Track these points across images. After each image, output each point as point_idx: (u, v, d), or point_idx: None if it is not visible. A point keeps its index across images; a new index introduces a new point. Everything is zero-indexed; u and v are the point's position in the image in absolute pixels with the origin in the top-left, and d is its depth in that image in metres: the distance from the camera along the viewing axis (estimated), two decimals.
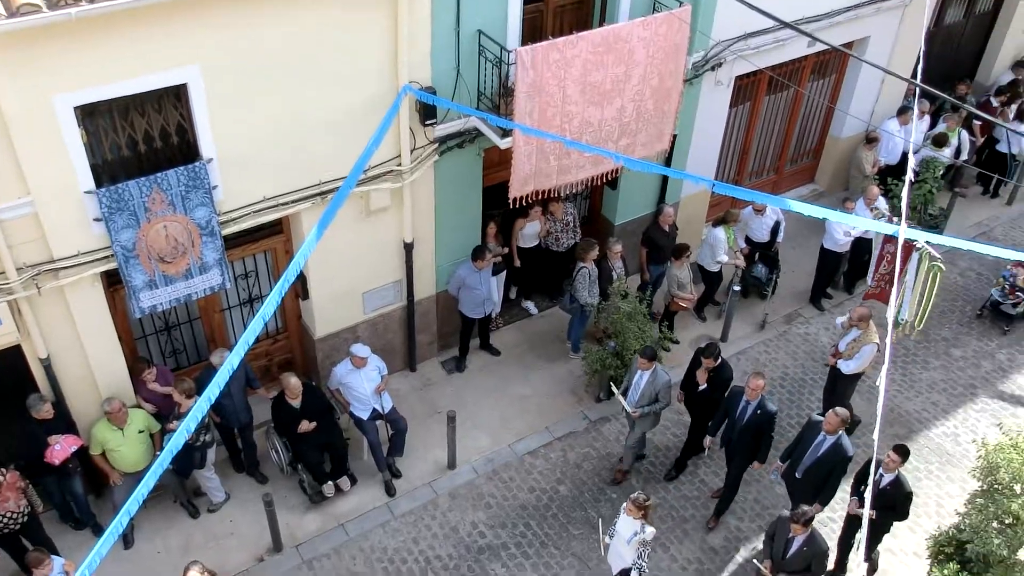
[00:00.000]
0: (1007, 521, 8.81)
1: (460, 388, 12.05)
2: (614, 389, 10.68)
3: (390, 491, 10.73)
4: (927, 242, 8.74)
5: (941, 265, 8.98)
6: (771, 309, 13.38)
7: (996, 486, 9.09)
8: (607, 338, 11.68)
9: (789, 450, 9.96)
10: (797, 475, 9.75)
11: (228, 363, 6.24)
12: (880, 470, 9.22)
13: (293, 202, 9.65)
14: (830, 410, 9.51)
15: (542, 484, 11.02)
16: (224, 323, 10.75)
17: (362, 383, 10.29)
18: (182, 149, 8.84)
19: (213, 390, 6.10)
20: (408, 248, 10.86)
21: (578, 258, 11.79)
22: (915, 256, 10.10)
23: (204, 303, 10.36)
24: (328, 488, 10.43)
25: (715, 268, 12.86)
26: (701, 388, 10.35)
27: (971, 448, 10.87)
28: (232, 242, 9.73)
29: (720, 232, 12.59)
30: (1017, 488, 8.93)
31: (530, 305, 13.24)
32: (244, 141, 8.95)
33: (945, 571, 8.77)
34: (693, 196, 13.47)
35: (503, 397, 11.98)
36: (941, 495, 11.18)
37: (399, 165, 10.14)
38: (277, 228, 10.23)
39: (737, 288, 12.73)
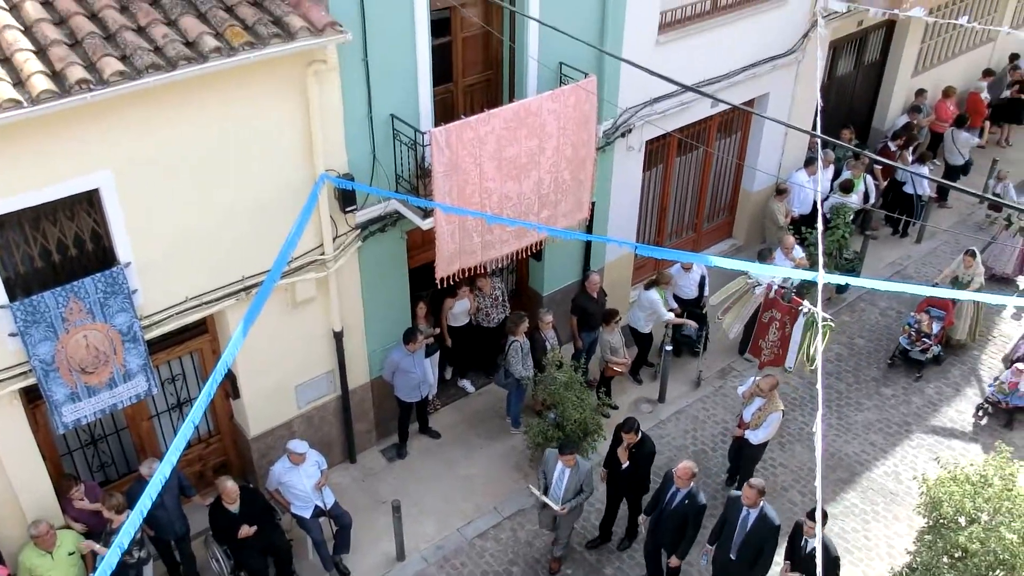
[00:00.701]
0: (956, 555, 8.90)
1: (403, 475, 11.80)
2: (534, 491, 10.15)
3: None
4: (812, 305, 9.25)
5: (831, 324, 9.46)
6: (704, 365, 13.50)
7: (941, 520, 9.21)
8: (546, 409, 11.62)
9: (716, 531, 9.70)
10: (732, 556, 9.43)
11: (159, 473, 6.01)
12: (804, 536, 9.14)
13: (217, 300, 9.47)
14: (745, 484, 9.33)
15: (495, 567, 10.77)
16: (153, 431, 10.39)
17: (302, 480, 10.00)
18: (98, 255, 8.64)
19: (145, 503, 5.85)
20: (338, 337, 10.72)
21: (509, 332, 11.79)
22: (801, 319, 10.85)
23: (131, 412, 10.01)
24: None
25: (647, 329, 12.96)
26: (624, 466, 10.19)
27: (913, 485, 11.01)
28: (156, 346, 9.48)
29: (654, 294, 12.71)
30: (962, 520, 9.05)
31: (466, 384, 13.13)
32: (162, 242, 8.80)
33: None
34: (617, 260, 13.64)
35: (447, 480, 11.77)
36: (890, 535, 11.27)
37: (322, 254, 10.06)
38: (202, 328, 10.01)
39: (669, 348, 12.84)
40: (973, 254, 13.71)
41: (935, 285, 14.07)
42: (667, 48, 12.24)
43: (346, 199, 9.83)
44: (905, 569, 9.54)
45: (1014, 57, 19.70)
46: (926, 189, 16.39)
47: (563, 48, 10.72)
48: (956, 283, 13.75)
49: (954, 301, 13.52)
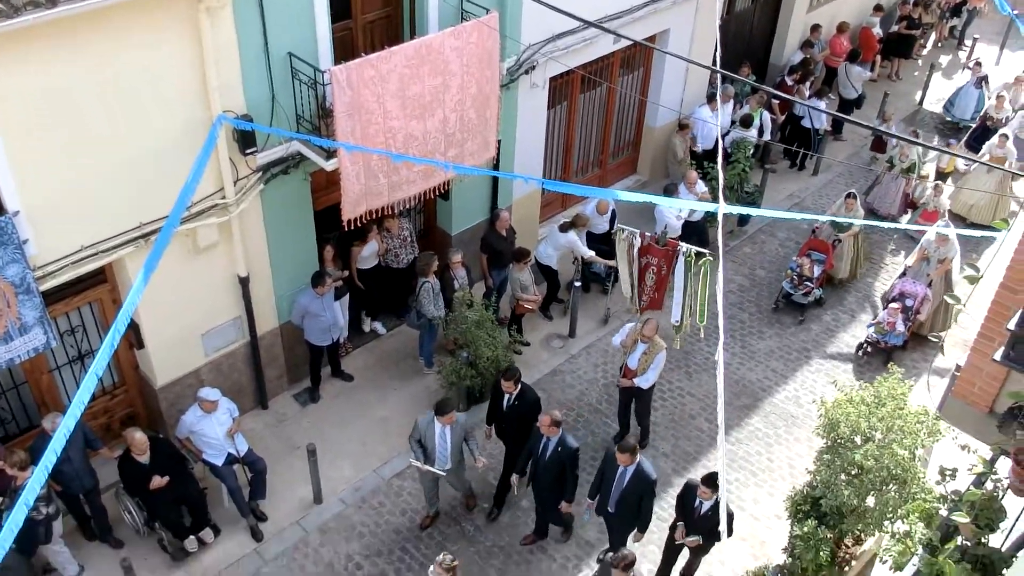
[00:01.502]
0: (853, 472, 9.33)
1: (317, 419, 11.76)
2: (415, 463, 9.80)
3: (257, 536, 10.34)
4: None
5: (710, 258, 9.58)
6: (612, 302, 13.71)
7: (839, 440, 9.61)
8: (459, 349, 11.68)
9: (596, 486, 9.64)
10: (611, 509, 9.51)
11: (63, 427, 5.87)
12: (698, 498, 9.16)
13: (114, 248, 9.17)
14: (617, 447, 9.25)
15: (413, 505, 10.87)
16: (54, 384, 10.09)
17: (213, 428, 9.88)
18: None
19: (49, 458, 5.72)
20: (244, 282, 10.53)
21: (419, 273, 11.75)
22: (680, 259, 10.80)
23: (29, 366, 9.69)
24: (190, 543, 9.97)
25: (557, 264, 13.06)
26: (509, 404, 10.09)
27: (812, 408, 11.49)
28: (53, 297, 9.17)
29: (571, 234, 12.80)
30: (858, 439, 9.48)
31: (378, 325, 13.08)
32: (53, 188, 8.45)
33: (805, 528, 9.22)
34: (525, 198, 13.67)
35: (362, 422, 11.78)
36: (792, 456, 11.76)
37: (223, 198, 9.82)
38: (101, 277, 9.70)
39: (578, 284, 13.01)
40: (854, 196, 14.11)
41: (814, 232, 14.41)
42: None
43: (245, 141, 9.57)
44: (806, 487, 9.96)
45: None
46: (823, 123, 16.83)
47: None
48: (837, 224, 13.98)
49: (834, 244, 13.94)
